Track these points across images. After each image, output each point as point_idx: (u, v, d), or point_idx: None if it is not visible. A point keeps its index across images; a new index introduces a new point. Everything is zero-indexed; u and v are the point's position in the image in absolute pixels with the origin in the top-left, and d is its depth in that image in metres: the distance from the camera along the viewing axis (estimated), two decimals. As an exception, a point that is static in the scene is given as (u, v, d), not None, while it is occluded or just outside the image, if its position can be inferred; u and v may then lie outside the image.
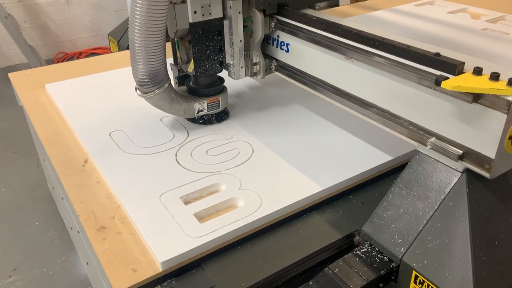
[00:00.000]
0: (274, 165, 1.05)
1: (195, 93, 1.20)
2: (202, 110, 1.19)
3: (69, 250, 1.65)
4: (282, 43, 1.13)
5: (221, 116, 1.25)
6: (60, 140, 1.19)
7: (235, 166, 1.04)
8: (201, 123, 1.23)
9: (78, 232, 1.10)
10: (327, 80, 1.04)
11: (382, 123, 0.94)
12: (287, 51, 1.13)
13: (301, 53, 1.09)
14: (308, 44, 1.05)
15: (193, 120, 1.23)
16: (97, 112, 1.30)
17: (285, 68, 1.18)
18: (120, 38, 2.16)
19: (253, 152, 1.10)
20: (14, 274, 1.55)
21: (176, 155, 1.09)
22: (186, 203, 0.93)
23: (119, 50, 2.18)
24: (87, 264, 1.27)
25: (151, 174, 1.02)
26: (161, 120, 1.25)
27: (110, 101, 1.35)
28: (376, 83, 0.91)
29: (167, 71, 1.09)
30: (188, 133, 1.19)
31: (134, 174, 1.02)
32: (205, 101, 1.18)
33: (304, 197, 0.93)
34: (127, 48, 1.07)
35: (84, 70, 1.59)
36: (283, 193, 0.95)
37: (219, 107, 1.22)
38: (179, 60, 1.18)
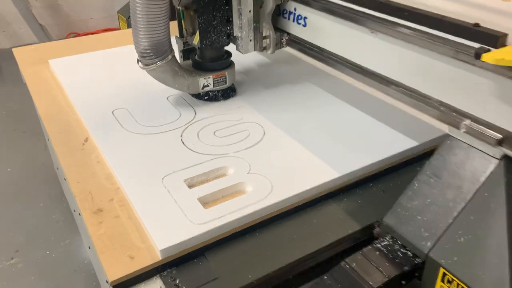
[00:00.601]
0: (286, 148, 0.96)
1: (200, 67, 1.12)
2: (207, 86, 1.11)
3: (73, 233, 1.60)
4: (299, 17, 1.04)
5: (228, 93, 1.17)
6: (61, 117, 1.13)
7: (245, 149, 0.96)
8: (206, 100, 1.15)
9: (79, 214, 1.04)
10: (349, 57, 0.94)
11: (409, 104, 0.84)
12: (304, 25, 1.03)
13: (319, 28, 0.99)
14: (328, 17, 0.95)
15: (198, 96, 1.16)
16: (101, 89, 1.23)
17: (298, 43, 1.09)
18: (129, 16, 2.08)
19: (264, 134, 1.02)
20: (16, 256, 1.51)
21: (181, 135, 1.01)
22: (190, 186, 0.86)
23: (129, 27, 2.10)
24: (89, 248, 1.22)
25: (154, 155, 0.95)
26: (167, 98, 1.18)
27: (115, 78, 1.28)
28: (404, 59, 0.82)
29: (170, 43, 1.01)
30: (195, 113, 1.11)
31: (136, 155, 0.95)
32: (211, 76, 1.10)
33: (319, 183, 0.85)
34: (136, 25, 0.99)
35: (90, 46, 1.52)
36: (296, 179, 0.86)
37: (226, 83, 1.14)
38: (184, 31, 1.09)
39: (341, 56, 0.96)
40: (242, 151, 0.96)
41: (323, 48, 1.00)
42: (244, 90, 1.22)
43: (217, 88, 1.14)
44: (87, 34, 3.42)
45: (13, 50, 1.52)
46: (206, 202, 0.83)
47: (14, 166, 1.94)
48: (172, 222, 0.77)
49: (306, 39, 1.05)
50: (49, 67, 1.38)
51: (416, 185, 0.77)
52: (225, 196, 0.85)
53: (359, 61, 0.92)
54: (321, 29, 0.99)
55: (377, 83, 0.88)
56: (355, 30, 0.89)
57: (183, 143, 0.99)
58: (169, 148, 0.97)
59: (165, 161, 0.92)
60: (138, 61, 1.03)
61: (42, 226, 1.64)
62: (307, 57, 1.30)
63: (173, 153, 0.95)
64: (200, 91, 1.12)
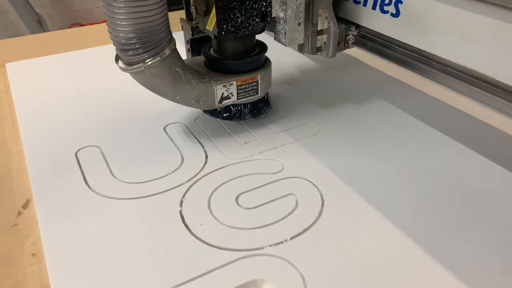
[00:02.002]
0: (369, 237, 0.54)
1: (217, 67, 0.71)
2: (228, 97, 0.70)
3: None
4: (386, 2, 0.60)
5: (259, 108, 0.76)
6: (-1, 158, 0.73)
7: (291, 238, 0.54)
8: (225, 118, 0.74)
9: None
10: (493, 73, 0.50)
11: None
12: (396, 14, 0.60)
13: (429, 19, 0.56)
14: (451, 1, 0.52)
15: (213, 113, 0.75)
16: (67, 110, 0.82)
17: (375, 42, 0.66)
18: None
19: (322, 202, 0.59)
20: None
21: (181, 203, 0.60)
22: (191, 329, 0.45)
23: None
24: None
25: (135, 248, 0.53)
26: (164, 129, 0.76)
27: (90, 93, 0.88)
28: None
29: (169, 28, 0.61)
30: (206, 156, 0.69)
31: (103, 245, 0.54)
32: (234, 82, 0.69)
33: None
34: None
35: (75, 43, 1.12)
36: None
37: (257, 93, 0.72)
38: (192, 10, 0.67)
39: (480, 72, 0.52)
40: (287, 242, 0.53)
41: (434, 55, 0.56)
42: (282, 110, 0.79)
43: (244, 100, 0.72)
44: (92, 25, 3.04)
45: (-31, 48, 1.14)
46: None
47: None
48: None
49: (396, 37, 0.61)
50: (5, 73, 0.99)
51: None
52: None
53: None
54: (432, 21, 0.55)
55: None
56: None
57: (184, 222, 0.57)
58: (161, 233, 0.55)
59: (154, 264, 0.51)
60: (116, 58, 0.63)
61: None
62: (373, 59, 0.87)
63: (168, 244, 0.54)
64: (217, 105, 0.70)
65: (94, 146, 0.72)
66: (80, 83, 0.92)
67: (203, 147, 0.71)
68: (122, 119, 0.79)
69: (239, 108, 0.74)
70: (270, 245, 0.53)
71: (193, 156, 0.69)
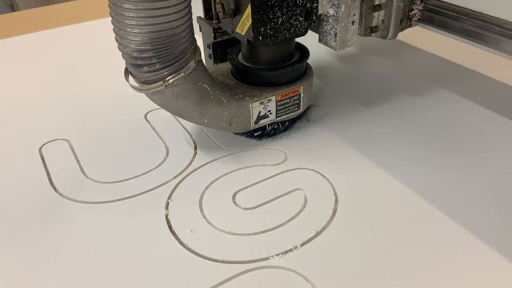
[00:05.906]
0: (398, 236, 0.44)
1: (250, 78, 0.57)
2: (266, 116, 0.57)
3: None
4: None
5: (294, 122, 0.62)
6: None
7: (301, 245, 0.44)
8: (256, 137, 0.60)
9: None
10: None
11: None
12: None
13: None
14: None
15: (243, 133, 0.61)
16: (30, 96, 0.71)
17: (444, 15, 0.55)
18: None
19: (336, 199, 0.50)
20: None
21: (167, 207, 0.50)
22: None
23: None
24: None
25: (111, 264, 0.43)
26: (145, 117, 0.65)
27: (57, 77, 0.77)
28: None
29: (193, 35, 0.48)
30: (195, 147, 0.59)
31: (70, 261, 0.44)
32: (273, 97, 0.56)
33: None
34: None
35: (42, 22, 1.00)
36: None
37: (299, 108, 0.59)
38: (218, 9, 0.53)
39: None
40: (297, 249, 0.44)
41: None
42: (319, 111, 0.67)
43: (283, 118, 0.58)
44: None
45: None
46: None
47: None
48: None
49: (482, 10, 0.47)
50: (-38, 59, 0.87)
51: None
52: None
53: None
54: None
55: None
56: None
57: (170, 227, 0.47)
58: (141, 241, 0.45)
59: (134, 282, 0.41)
60: (126, 72, 0.49)
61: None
62: (427, 43, 0.76)
63: (149, 255, 0.44)
64: (253, 126, 0.57)
65: (61, 139, 0.61)
66: (47, 66, 0.80)
67: (191, 136, 0.61)
68: (95, 106, 0.68)
69: (275, 126, 0.59)
70: (277, 255, 0.43)
71: (180, 147, 0.59)
